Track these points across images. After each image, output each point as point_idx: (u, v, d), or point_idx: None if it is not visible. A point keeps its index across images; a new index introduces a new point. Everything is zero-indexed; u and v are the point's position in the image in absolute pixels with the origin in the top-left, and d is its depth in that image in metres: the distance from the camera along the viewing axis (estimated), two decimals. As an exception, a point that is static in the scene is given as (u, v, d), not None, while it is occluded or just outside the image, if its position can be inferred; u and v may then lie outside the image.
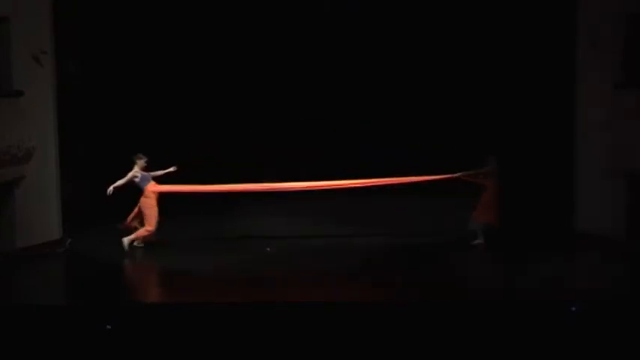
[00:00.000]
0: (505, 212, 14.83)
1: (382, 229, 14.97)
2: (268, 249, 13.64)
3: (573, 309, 9.91)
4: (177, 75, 17.43)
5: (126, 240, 13.49)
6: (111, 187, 13.51)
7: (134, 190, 16.08)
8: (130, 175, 13.65)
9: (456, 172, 14.28)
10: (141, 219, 13.72)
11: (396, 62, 18.14)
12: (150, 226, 13.53)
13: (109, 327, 9.40)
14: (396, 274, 12.24)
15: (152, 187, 13.76)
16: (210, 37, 17.64)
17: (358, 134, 18.01)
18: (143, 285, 11.85)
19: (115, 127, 16.29)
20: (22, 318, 9.99)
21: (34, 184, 13.69)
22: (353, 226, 15.11)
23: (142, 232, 13.57)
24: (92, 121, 15.57)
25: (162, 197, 13.88)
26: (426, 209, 16.19)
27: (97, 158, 15.78)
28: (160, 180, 13.99)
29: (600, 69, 13.75)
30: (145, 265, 12.69)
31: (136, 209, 13.75)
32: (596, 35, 13.75)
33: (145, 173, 13.79)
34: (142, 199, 13.68)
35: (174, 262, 12.84)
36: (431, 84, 17.95)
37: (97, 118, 15.78)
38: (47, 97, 13.87)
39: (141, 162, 13.77)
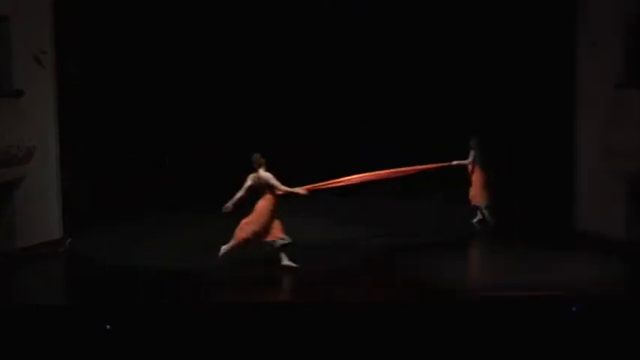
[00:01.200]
0: (506, 212, 14.87)
1: (382, 228, 14.98)
2: (268, 249, 13.63)
3: (573, 309, 9.91)
4: (177, 75, 17.44)
5: (285, 261, 12.37)
6: (231, 202, 12.40)
7: (132, 190, 16.16)
8: (272, 180, 12.35)
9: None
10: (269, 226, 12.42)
11: (396, 63, 18.17)
12: (259, 226, 12.33)
13: (108, 327, 9.39)
14: (396, 274, 12.24)
15: (277, 192, 12.50)
16: (211, 36, 17.66)
17: (358, 134, 18.03)
18: (143, 285, 11.83)
19: (114, 127, 16.29)
20: (22, 318, 9.98)
21: (34, 184, 13.68)
22: (353, 226, 15.11)
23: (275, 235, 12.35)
24: (92, 121, 15.57)
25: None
26: (425, 209, 16.21)
27: (97, 158, 15.80)
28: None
29: (600, 69, 13.75)
30: (144, 265, 12.68)
31: (255, 217, 12.40)
32: (597, 35, 13.75)
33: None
34: (264, 204, 12.38)
35: (175, 262, 12.82)
36: (431, 84, 17.97)
37: (97, 118, 15.79)
38: (47, 97, 13.87)
39: (263, 162, 12.46)
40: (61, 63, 14.15)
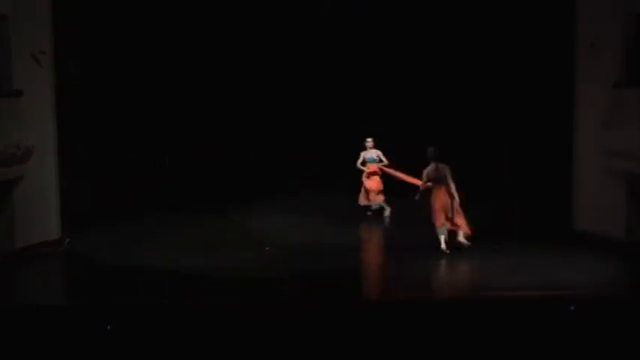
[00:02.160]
0: (505, 212, 14.87)
1: (382, 228, 14.99)
2: (268, 248, 13.64)
3: (572, 309, 9.92)
4: (177, 75, 17.43)
5: (463, 240, 13.16)
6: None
7: (132, 190, 16.17)
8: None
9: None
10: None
11: (396, 63, 18.17)
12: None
13: (109, 327, 9.39)
14: (395, 274, 12.24)
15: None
16: (210, 36, 17.65)
17: (358, 133, 18.02)
18: (143, 285, 11.83)
19: (114, 127, 16.29)
20: (22, 318, 9.98)
21: (33, 184, 13.67)
22: (353, 226, 15.12)
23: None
24: (91, 121, 15.57)
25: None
26: (424, 208, 16.21)
27: (96, 158, 15.79)
28: None
29: (600, 69, 13.75)
30: (144, 265, 12.68)
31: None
32: (596, 35, 13.75)
33: None
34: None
35: (175, 262, 12.83)
36: (431, 83, 17.96)
37: (97, 118, 15.79)
38: (46, 97, 13.85)
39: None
40: (61, 63, 14.14)
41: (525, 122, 16.49)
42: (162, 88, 17.23)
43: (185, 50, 17.43)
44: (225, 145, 18.00)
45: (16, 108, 13.32)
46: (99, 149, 15.90)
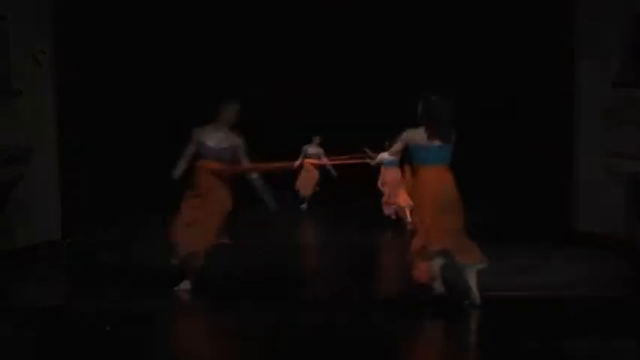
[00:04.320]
0: (505, 212, 14.89)
1: (381, 228, 15.00)
2: (267, 249, 13.66)
3: (571, 309, 9.93)
4: (177, 75, 17.46)
5: None
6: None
7: (132, 190, 16.17)
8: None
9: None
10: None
11: (394, 61, 18.21)
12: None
13: (107, 328, 9.39)
14: (395, 274, 12.24)
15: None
16: (210, 36, 17.69)
17: (357, 132, 18.05)
18: (143, 285, 11.83)
19: (114, 126, 16.31)
20: (22, 318, 9.98)
21: (33, 184, 13.68)
22: (352, 226, 15.14)
23: None
24: (92, 121, 15.58)
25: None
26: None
27: (96, 158, 15.80)
28: None
29: (600, 69, 13.77)
30: (145, 265, 12.68)
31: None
32: (596, 35, 13.77)
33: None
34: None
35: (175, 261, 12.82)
36: (430, 83, 17.97)
37: (97, 119, 15.80)
38: (46, 97, 13.87)
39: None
40: (61, 63, 14.14)
41: (525, 122, 16.51)
42: (162, 87, 17.26)
43: (186, 49, 17.47)
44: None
45: (16, 108, 13.33)
46: (99, 149, 15.92)
